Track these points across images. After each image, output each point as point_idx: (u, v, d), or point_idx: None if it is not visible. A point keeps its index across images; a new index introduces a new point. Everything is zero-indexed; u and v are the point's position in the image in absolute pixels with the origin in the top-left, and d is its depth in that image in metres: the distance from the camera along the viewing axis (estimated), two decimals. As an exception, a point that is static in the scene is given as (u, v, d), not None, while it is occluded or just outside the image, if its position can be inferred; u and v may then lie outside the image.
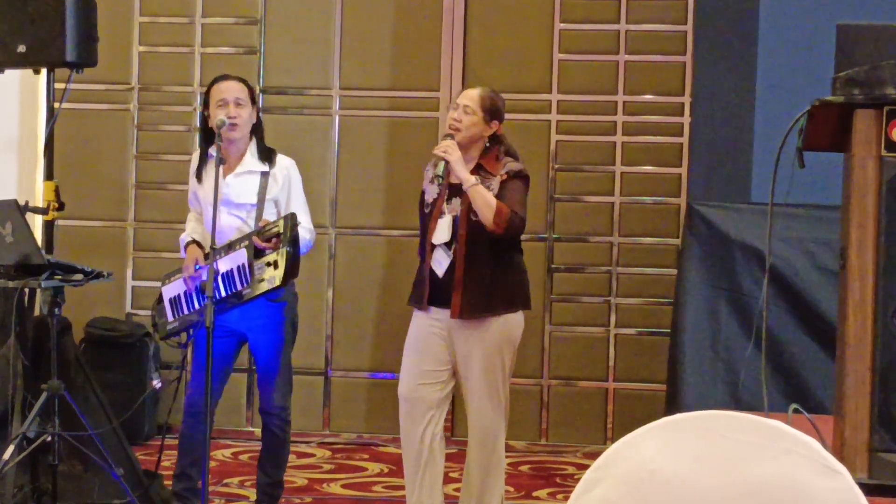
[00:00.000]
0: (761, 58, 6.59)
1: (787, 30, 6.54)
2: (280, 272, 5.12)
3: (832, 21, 3.94)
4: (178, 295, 5.38)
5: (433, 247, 5.03)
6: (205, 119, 5.37)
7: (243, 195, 5.28)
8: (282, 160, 5.38)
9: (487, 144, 5.08)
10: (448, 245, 5.00)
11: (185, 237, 5.43)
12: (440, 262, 5.02)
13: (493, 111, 5.06)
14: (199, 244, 5.33)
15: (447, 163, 4.93)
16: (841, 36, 3.77)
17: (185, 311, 5.37)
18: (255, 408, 5.75)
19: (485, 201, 4.90)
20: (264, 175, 5.31)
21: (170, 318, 5.41)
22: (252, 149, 5.34)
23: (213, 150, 5.34)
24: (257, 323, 5.30)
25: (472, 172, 5.02)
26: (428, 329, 5.09)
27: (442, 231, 5.02)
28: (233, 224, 5.24)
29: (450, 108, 5.14)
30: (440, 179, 4.96)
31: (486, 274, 4.97)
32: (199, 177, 5.37)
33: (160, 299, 5.47)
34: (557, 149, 7.37)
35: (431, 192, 5.09)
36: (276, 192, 5.32)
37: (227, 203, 5.23)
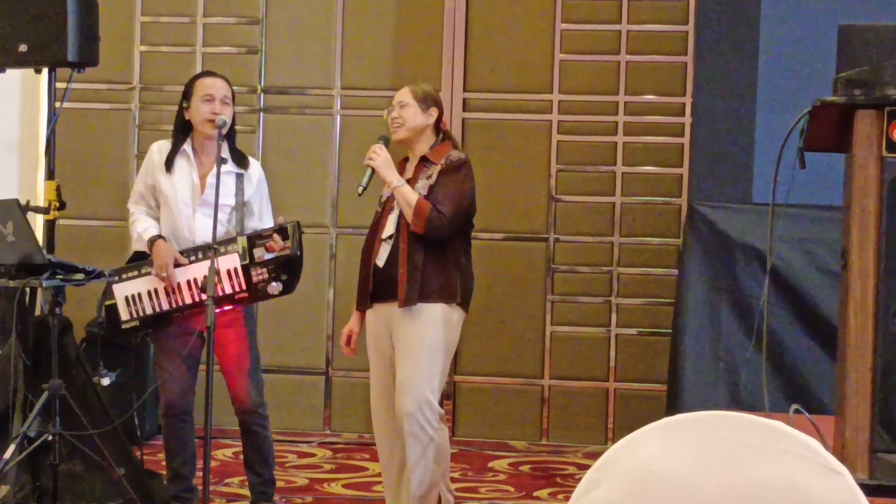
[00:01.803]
0: (762, 58, 6.59)
1: (788, 30, 6.54)
2: (287, 279, 5.13)
3: (833, 22, 3.94)
4: (139, 293, 5.29)
5: (381, 242, 5.06)
6: (182, 111, 5.33)
7: (222, 196, 5.22)
8: (254, 163, 5.39)
9: (437, 140, 5.13)
10: (391, 238, 5.03)
11: (143, 231, 5.28)
12: (382, 256, 5.04)
13: (426, 99, 5.12)
14: (164, 240, 5.26)
15: (373, 171, 5.01)
16: (842, 37, 3.77)
17: (149, 311, 5.29)
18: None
19: (406, 201, 4.97)
20: (239, 177, 5.30)
21: (124, 316, 5.34)
22: (225, 150, 5.27)
23: (187, 146, 5.31)
24: (220, 320, 5.24)
25: (418, 165, 5.09)
26: (378, 329, 5.11)
27: (389, 225, 5.05)
28: (208, 225, 5.09)
29: (386, 112, 5.19)
30: (362, 189, 5.00)
31: (421, 262, 4.96)
32: (168, 166, 5.31)
33: (108, 294, 5.39)
34: (558, 149, 7.37)
35: (386, 191, 5.12)
36: (251, 193, 5.31)
37: (205, 204, 5.17)
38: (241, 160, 5.33)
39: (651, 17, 7.28)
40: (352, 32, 7.49)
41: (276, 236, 5.15)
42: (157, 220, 5.33)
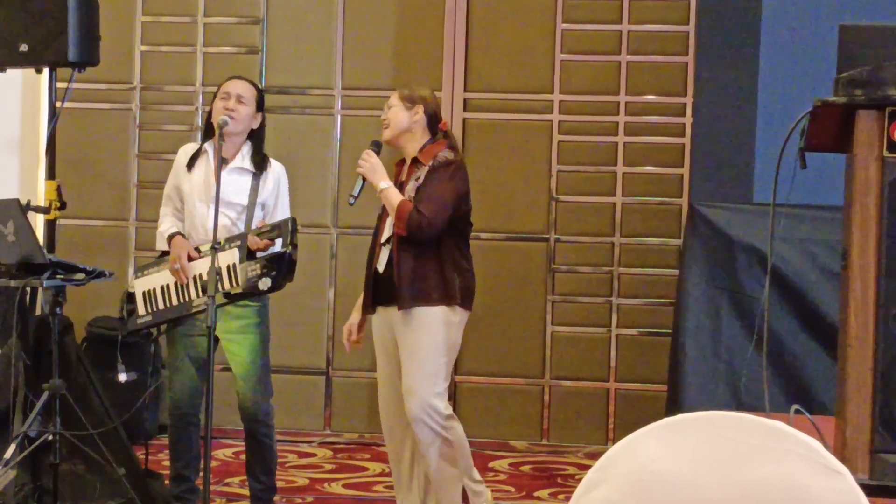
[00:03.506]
0: (763, 58, 6.58)
1: (789, 30, 6.54)
2: (276, 275, 5.12)
3: (834, 22, 3.94)
4: (154, 289, 5.34)
5: (381, 246, 5.09)
6: (209, 114, 5.38)
7: (234, 194, 5.26)
8: (274, 165, 5.39)
9: (430, 140, 5.12)
10: (389, 241, 5.05)
11: (165, 230, 5.38)
12: (382, 260, 5.07)
13: (411, 97, 5.15)
14: (184, 237, 5.32)
15: (364, 181, 5.05)
16: (843, 36, 3.77)
17: (161, 307, 5.33)
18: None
19: (390, 205, 5.02)
20: (255, 176, 5.32)
21: (141, 311, 5.37)
22: (245, 150, 5.34)
23: (207, 146, 5.34)
24: (235, 325, 5.28)
25: (410, 166, 5.11)
26: (383, 330, 5.15)
27: (387, 229, 5.09)
28: (221, 222, 5.16)
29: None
30: (353, 199, 5.05)
31: (414, 265, 4.98)
32: (189, 166, 5.35)
33: (131, 292, 5.42)
34: (559, 149, 7.37)
35: None
36: (266, 195, 5.32)
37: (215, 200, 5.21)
38: (260, 162, 5.34)
39: (652, 17, 7.28)
40: (352, 32, 7.49)
41: (251, 237, 5.17)
42: (183, 220, 5.39)
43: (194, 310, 5.23)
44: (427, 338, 5.00)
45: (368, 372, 7.49)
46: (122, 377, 5.40)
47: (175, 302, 5.28)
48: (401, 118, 5.12)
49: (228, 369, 5.51)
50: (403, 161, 5.22)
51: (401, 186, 5.08)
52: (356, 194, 5.07)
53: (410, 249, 4.99)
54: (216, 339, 5.28)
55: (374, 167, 5.07)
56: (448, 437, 5.07)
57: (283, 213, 5.35)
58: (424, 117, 5.13)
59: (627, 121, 7.30)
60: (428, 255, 5.01)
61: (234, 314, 5.26)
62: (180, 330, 5.35)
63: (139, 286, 5.39)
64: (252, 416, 5.37)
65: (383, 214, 5.13)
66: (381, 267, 5.06)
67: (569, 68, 7.36)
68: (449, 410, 5.12)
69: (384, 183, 5.03)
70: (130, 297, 5.43)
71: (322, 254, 7.43)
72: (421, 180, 5.03)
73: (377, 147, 5.14)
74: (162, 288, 5.32)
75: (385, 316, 5.10)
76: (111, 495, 5.35)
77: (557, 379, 7.35)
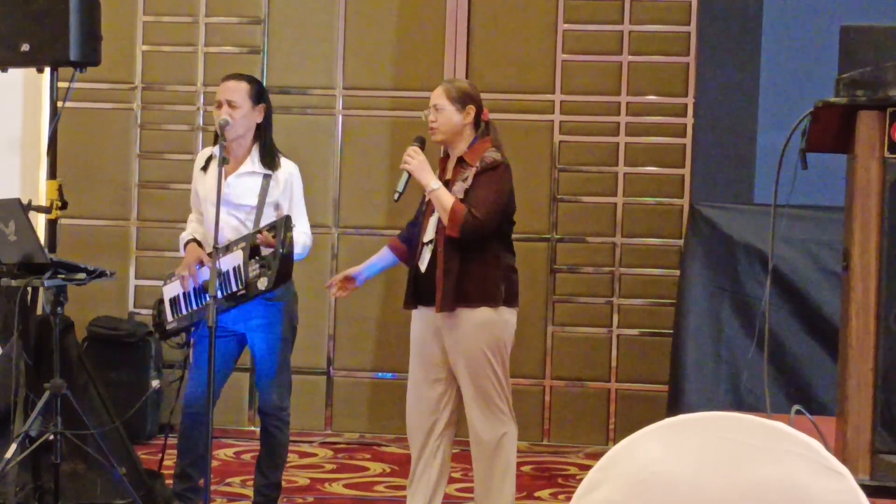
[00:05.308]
0: (765, 59, 6.59)
1: (790, 31, 6.54)
2: (272, 274, 5.12)
3: (836, 22, 3.95)
4: (178, 295, 5.38)
5: (424, 245, 5.05)
6: None
7: (243, 196, 5.28)
8: (285, 164, 5.38)
9: (477, 136, 5.07)
10: (432, 242, 5.02)
11: (185, 236, 5.44)
12: (424, 259, 5.03)
13: (461, 98, 5.04)
14: (199, 243, 5.33)
15: (409, 175, 4.98)
16: (844, 37, 3.78)
17: (184, 312, 5.36)
18: (257, 407, 5.76)
19: (441, 206, 4.92)
20: (266, 177, 5.32)
21: (169, 318, 5.41)
22: (255, 151, 5.34)
23: (215, 150, 5.35)
24: (256, 323, 5.31)
25: (456, 166, 5.05)
26: (422, 331, 5.11)
27: (430, 229, 5.04)
28: (230, 224, 5.22)
29: (424, 114, 5.12)
30: (398, 195, 5.00)
31: (458, 267, 4.93)
32: (204, 169, 5.38)
33: (161, 299, 5.47)
34: (560, 149, 7.37)
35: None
36: (278, 195, 5.32)
37: (227, 203, 5.20)
38: (270, 162, 5.34)
39: (653, 17, 7.28)
40: (354, 32, 7.49)
41: (264, 233, 5.17)
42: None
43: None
44: (477, 341, 4.98)
45: (369, 372, 7.50)
46: (155, 383, 5.43)
47: (195, 306, 5.31)
48: (455, 122, 5.03)
49: (245, 369, 5.53)
50: (447, 156, 5.16)
51: (446, 185, 5.01)
52: (401, 190, 4.99)
53: (457, 251, 4.94)
54: (242, 336, 5.31)
55: (421, 165, 4.97)
56: (505, 430, 5.12)
57: (295, 212, 5.34)
58: (474, 116, 5.08)
59: (628, 121, 7.30)
60: (473, 256, 4.96)
61: (257, 311, 5.28)
62: (203, 331, 5.36)
63: (166, 293, 5.43)
64: (266, 410, 5.42)
65: (426, 213, 5.08)
66: (423, 266, 5.02)
67: (570, 68, 7.36)
68: (510, 403, 5.15)
69: (435, 183, 4.95)
70: (161, 305, 5.46)
71: (323, 254, 7.43)
72: (469, 182, 4.96)
73: (422, 143, 5.04)
74: (184, 294, 5.35)
75: (426, 316, 5.05)
76: (112, 495, 5.36)
77: (558, 379, 7.35)
